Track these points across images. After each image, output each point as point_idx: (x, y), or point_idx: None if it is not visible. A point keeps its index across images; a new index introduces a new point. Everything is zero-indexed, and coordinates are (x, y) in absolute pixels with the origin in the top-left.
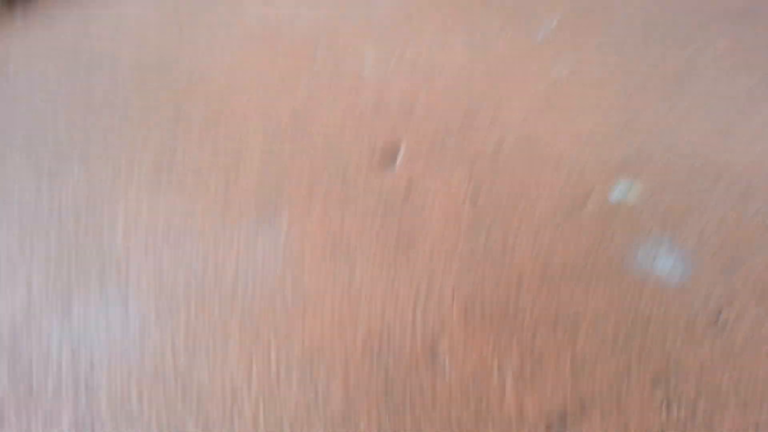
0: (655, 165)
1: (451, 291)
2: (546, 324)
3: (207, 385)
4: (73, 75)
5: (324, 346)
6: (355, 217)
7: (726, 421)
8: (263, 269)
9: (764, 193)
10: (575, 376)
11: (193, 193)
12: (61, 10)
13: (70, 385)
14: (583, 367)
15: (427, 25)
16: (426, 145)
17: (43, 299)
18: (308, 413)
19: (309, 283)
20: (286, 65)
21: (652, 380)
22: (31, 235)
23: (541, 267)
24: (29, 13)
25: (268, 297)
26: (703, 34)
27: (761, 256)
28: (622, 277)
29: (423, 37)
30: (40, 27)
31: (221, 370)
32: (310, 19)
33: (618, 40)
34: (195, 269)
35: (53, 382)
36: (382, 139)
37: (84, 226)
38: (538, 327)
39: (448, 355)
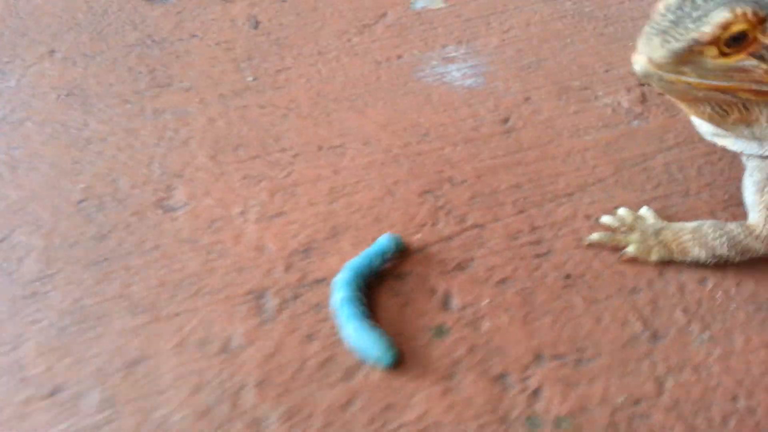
0: None
1: (202, 132)
2: (307, 155)
3: None
4: None
5: (34, 200)
6: (104, 58)
7: (498, 230)
8: None
9: None
10: (331, 204)
11: None
12: None
13: None
14: (339, 196)
15: None
16: None
17: None
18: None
19: (34, 134)
20: None
21: (421, 193)
22: None
23: (314, 95)
24: None
25: None
26: None
27: (554, 57)
28: (411, 89)
29: None
30: None
31: None
32: None
33: None
34: None
35: None
36: None
37: None
38: (297, 160)
39: (185, 202)
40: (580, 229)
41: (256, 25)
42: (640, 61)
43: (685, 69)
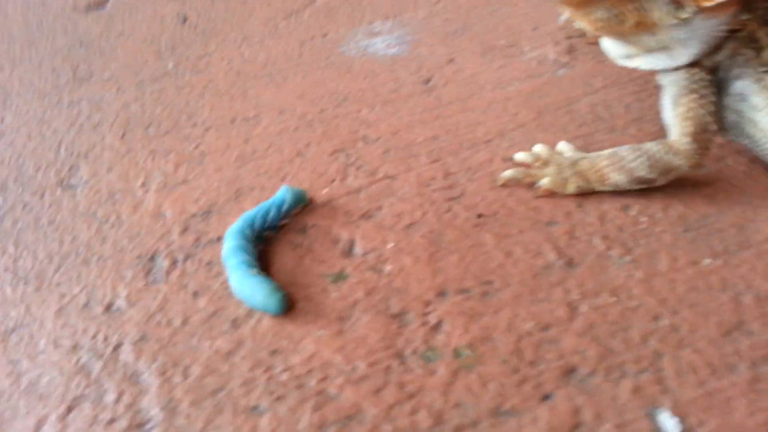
0: None
1: (114, 116)
2: (219, 128)
3: None
4: None
5: None
6: (32, 61)
7: (410, 179)
8: None
9: None
10: (238, 170)
11: None
12: None
13: None
14: (248, 161)
15: None
16: None
17: None
18: None
19: None
20: None
21: (333, 152)
22: None
23: (233, 74)
24: None
25: None
26: None
27: (482, 22)
28: (332, 62)
29: None
30: None
31: None
32: None
33: None
34: None
35: None
36: None
37: None
38: (207, 133)
39: (86, 180)
40: (496, 172)
41: (185, 20)
42: None
43: None
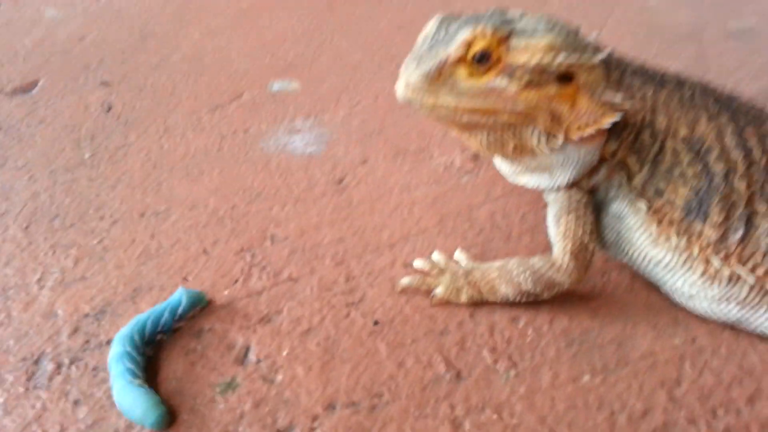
0: (317, 65)
1: (21, 206)
2: (126, 222)
3: None
4: None
5: None
6: None
7: (312, 282)
8: None
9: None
10: (139, 267)
11: None
12: None
13: None
14: (151, 258)
15: None
16: (68, 72)
17: None
18: None
19: None
20: None
21: (239, 251)
22: None
23: (150, 167)
24: None
25: None
26: None
27: (396, 125)
28: (250, 158)
29: None
30: None
31: None
32: None
33: None
34: None
35: None
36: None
37: None
38: (114, 227)
39: None
40: (396, 277)
41: (109, 109)
42: (399, 87)
43: (442, 92)
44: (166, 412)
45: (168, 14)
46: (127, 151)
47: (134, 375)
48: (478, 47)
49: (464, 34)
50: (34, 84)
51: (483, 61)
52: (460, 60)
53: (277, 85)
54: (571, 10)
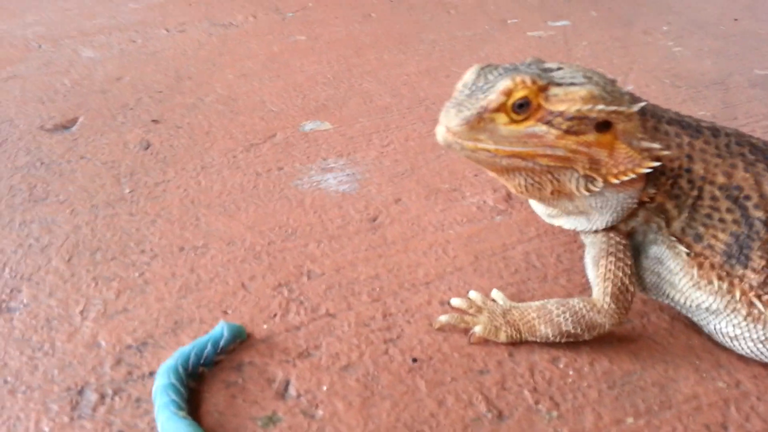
0: (347, 107)
1: (63, 239)
2: (166, 256)
3: None
4: None
5: None
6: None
7: (350, 318)
8: None
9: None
10: (179, 300)
11: None
12: None
13: None
14: (191, 292)
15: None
16: (106, 110)
17: None
18: None
19: None
20: None
21: (276, 286)
22: None
23: (188, 202)
24: None
25: None
26: None
27: (428, 165)
28: (285, 195)
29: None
30: None
31: None
32: None
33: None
34: None
35: None
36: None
37: None
38: (154, 261)
39: (26, 303)
40: (433, 315)
41: (147, 146)
42: (440, 132)
43: (482, 137)
44: None
45: (202, 57)
46: (166, 187)
47: (179, 407)
48: (518, 95)
49: (505, 83)
50: (73, 121)
51: (523, 108)
52: (500, 107)
53: (309, 126)
54: (595, 56)
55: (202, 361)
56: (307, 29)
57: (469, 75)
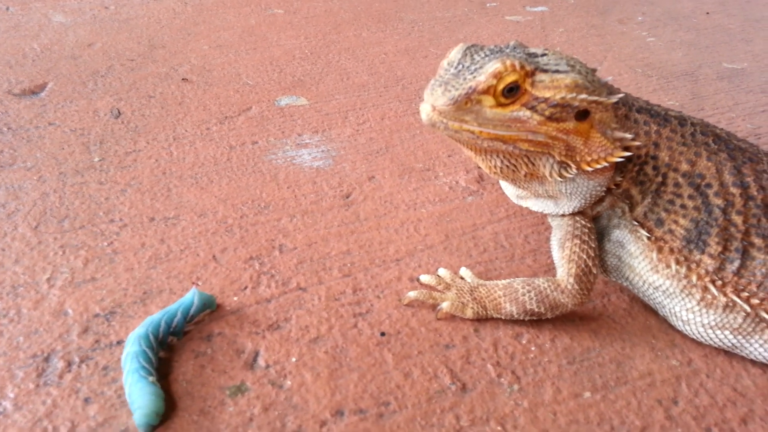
0: (324, 83)
1: (30, 206)
2: (136, 226)
3: None
4: None
5: None
6: None
7: (320, 292)
8: None
9: (415, 90)
10: (149, 270)
11: None
12: None
13: None
14: (161, 262)
15: None
16: (76, 77)
17: None
18: None
19: None
20: None
21: (248, 259)
22: None
23: (159, 173)
24: None
25: None
26: None
27: (403, 144)
28: (259, 169)
29: None
30: None
31: None
32: None
33: None
34: None
35: None
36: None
37: None
38: (123, 230)
39: None
40: (402, 290)
41: (118, 115)
42: (425, 110)
43: (467, 117)
44: (160, 409)
45: (176, 27)
46: (137, 157)
47: (148, 373)
48: (509, 80)
49: (495, 66)
50: (42, 87)
51: (512, 92)
52: (489, 89)
53: (285, 101)
54: (571, 44)
55: (171, 330)
56: (285, 3)
57: (454, 54)
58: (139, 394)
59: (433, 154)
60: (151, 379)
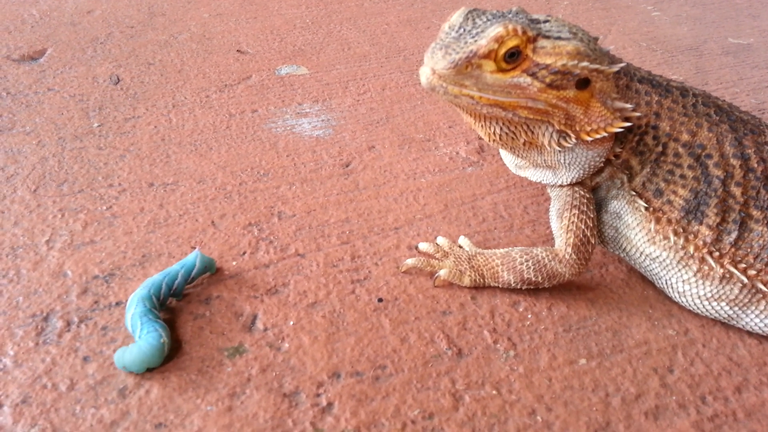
0: (325, 53)
1: (29, 169)
2: (135, 191)
3: None
4: None
5: None
6: None
7: (318, 258)
8: None
9: (417, 61)
10: (148, 234)
11: None
12: None
13: None
14: (160, 227)
15: None
16: (76, 43)
17: None
18: None
19: None
20: None
21: (246, 225)
22: None
23: (158, 139)
24: None
25: None
26: None
27: (403, 115)
28: (258, 137)
29: None
30: None
31: None
32: None
33: None
34: None
35: None
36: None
37: None
38: (122, 195)
39: None
40: (400, 258)
41: (117, 81)
42: (424, 73)
43: (467, 82)
44: (166, 342)
45: None
46: (136, 123)
47: (156, 316)
48: (511, 44)
49: (497, 30)
50: (41, 53)
51: (513, 57)
52: (490, 54)
53: (285, 70)
54: (576, 16)
55: (172, 291)
56: None
57: (456, 17)
58: (148, 324)
59: (433, 125)
60: (158, 315)
